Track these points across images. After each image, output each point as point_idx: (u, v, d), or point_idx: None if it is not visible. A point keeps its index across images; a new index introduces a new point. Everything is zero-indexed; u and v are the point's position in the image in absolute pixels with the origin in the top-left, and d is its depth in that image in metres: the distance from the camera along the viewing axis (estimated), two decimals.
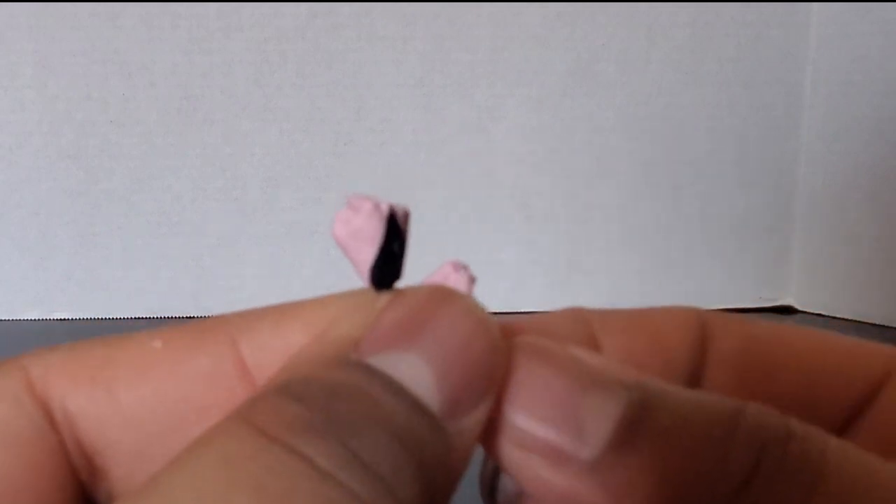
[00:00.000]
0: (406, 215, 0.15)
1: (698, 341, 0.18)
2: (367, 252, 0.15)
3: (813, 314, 0.49)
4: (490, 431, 0.14)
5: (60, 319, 0.47)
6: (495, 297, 0.46)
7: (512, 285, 0.47)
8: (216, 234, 0.47)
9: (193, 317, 0.47)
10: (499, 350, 0.14)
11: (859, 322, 0.48)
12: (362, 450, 0.12)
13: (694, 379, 0.18)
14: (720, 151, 0.49)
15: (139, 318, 0.47)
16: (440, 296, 0.14)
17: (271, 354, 0.15)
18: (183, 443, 0.14)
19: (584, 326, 0.18)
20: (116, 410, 0.15)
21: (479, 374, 0.13)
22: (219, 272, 0.47)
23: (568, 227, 0.47)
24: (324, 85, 0.46)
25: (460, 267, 0.15)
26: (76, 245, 0.46)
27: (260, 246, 0.47)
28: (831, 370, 0.18)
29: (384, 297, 0.14)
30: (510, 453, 0.14)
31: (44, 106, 0.45)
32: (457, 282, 0.15)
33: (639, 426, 0.13)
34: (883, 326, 0.47)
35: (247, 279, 0.47)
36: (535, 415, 0.13)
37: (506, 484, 0.16)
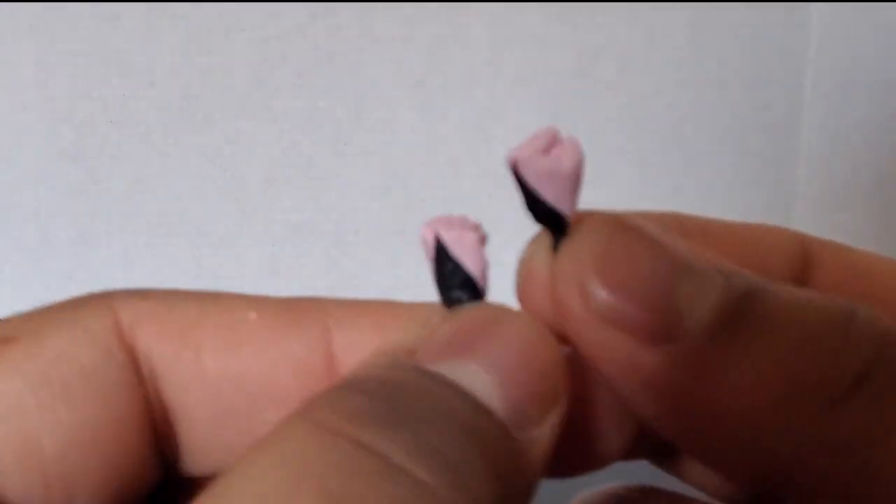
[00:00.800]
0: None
1: (801, 264, 0.17)
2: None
3: None
4: (563, 307, 0.13)
5: None
6: (495, 297, 0.46)
7: (512, 285, 0.47)
8: (216, 234, 0.47)
9: None
10: (561, 364, 0.13)
11: None
12: (434, 440, 0.11)
13: None
14: (720, 151, 0.49)
15: None
16: (499, 311, 0.14)
17: (364, 352, 0.14)
18: (258, 424, 0.14)
19: (677, 229, 0.17)
20: (200, 375, 0.15)
21: (544, 384, 0.13)
22: (219, 272, 0.47)
23: None
24: (324, 85, 0.46)
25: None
26: (76, 245, 0.47)
27: (260, 246, 0.47)
28: None
29: (436, 316, 0.14)
30: (594, 330, 0.13)
31: (44, 106, 0.45)
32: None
33: (741, 315, 0.12)
34: None
35: (247, 279, 0.47)
36: (627, 291, 0.12)
37: None
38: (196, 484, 0.16)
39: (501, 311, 0.14)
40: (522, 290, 0.15)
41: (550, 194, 0.14)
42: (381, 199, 0.46)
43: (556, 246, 0.14)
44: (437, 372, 0.12)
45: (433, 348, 0.13)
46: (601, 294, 0.13)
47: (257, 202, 0.47)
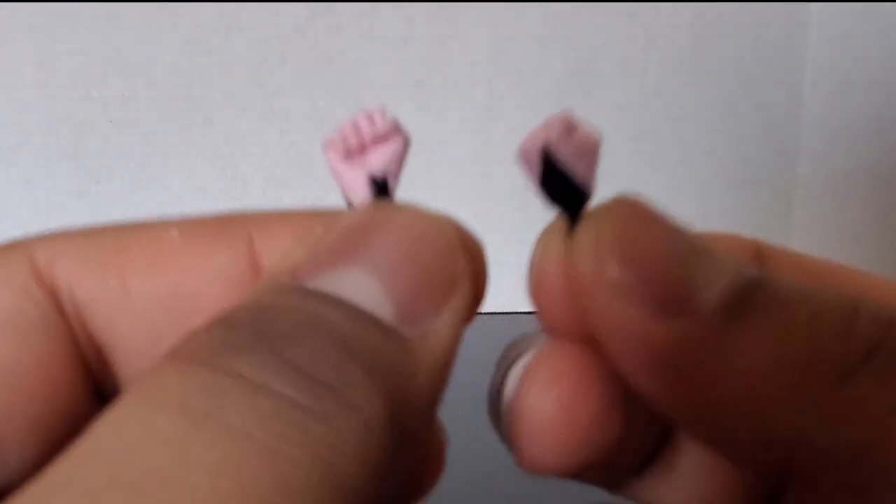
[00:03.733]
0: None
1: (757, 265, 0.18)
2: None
3: None
4: (578, 282, 0.13)
5: None
6: (495, 297, 0.46)
7: (512, 285, 0.47)
8: None
9: None
10: (456, 250, 0.13)
11: None
12: (299, 358, 0.11)
13: None
14: (720, 151, 0.49)
15: None
16: (379, 211, 0.13)
17: None
18: None
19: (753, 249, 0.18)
20: (127, 301, 0.15)
21: (436, 276, 0.13)
22: None
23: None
24: (324, 85, 0.46)
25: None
26: None
27: None
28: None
29: (320, 227, 0.14)
30: (609, 304, 0.13)
31: (44, 106, 0.45)
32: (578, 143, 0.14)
33: (754, 296, 0.13)
34: None
35: None
36: (644, 267, 0.13)
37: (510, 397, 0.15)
38: None
39: (384, 208, 0.14)
40: (537, 276, 0.15)
41: (581, 170, 0.14)
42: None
43: (571, 229, 0.14)
44: (315, 287, 0.12)
45: (314, 262, 0.13)
46: (618, 269, 0.13)
47: (257, 202, 0.47)
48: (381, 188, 0.14)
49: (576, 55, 0.47)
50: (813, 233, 0.49)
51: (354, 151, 0.14)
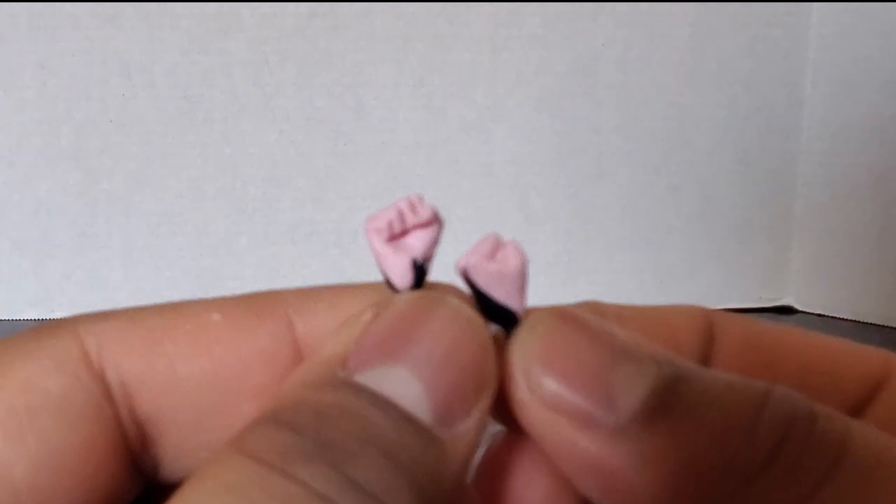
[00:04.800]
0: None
1: (706, 338, 0.19)
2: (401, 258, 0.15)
3: (813, 314, 0.49)
4: (512, 393, 0.14)
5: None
6: None
7: None
8: (216, 234, 0.47)
9: None
10: (488, 351, 0.14)
11: (859, 322, 0.48)
12: (356, 472, 0.12)
13: None
14: (720, 151, 0.49)
15: None
16: (424, 304, 0.14)
17: (323, 334, 0.15)
18: (236, 419, 0.15)
19: (704, 321, 0.18)
20: (174, 381, 0.15)
21: (470, 378, 0.14)
22: (219, 272, 0.47)
23: (568, 227, 0.47)
24: (324, 85, 0.46)
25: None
26: (76, 245, 0.46)
27: (260, 246, 0.47)
28: (831, 371, 0.18)
29: (369, 312, 0.14)
30: (538, 414, 0.14)
31: (44, 106, 0.45)
32: (494, 271, 0.15)
33: (668, 400, 0.13)
34: (882, 326, 0.47)
35: (247, 279, 0.47)
36: (567, 379, 0.14)
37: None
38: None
39: (427, 302, 0.14)
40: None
41: (500, 294, 0.15)
42: (381, 199, 0.46)
43: (507, 341, 0.15)
44: (365, 386, 0.13)
45: (363, 354, 0.13)
46: (545, 382, 0.14)
47: (257, 202, 0.47)
48: (421, 272, 0.15)
49: (576, 55, 0.47)
50: (813, 233, 0.49)
51: (396, 235, 0.15)
